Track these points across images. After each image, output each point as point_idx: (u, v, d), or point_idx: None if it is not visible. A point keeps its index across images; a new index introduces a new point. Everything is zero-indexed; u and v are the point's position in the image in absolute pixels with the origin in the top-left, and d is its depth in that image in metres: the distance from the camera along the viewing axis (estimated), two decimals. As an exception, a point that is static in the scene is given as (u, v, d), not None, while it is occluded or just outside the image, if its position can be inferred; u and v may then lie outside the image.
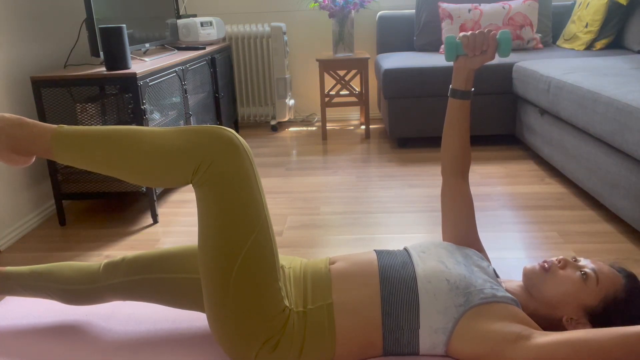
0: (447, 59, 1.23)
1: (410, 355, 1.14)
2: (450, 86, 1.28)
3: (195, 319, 1.40)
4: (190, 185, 1.95)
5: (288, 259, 1.27)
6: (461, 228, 1.33)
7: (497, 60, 2.86)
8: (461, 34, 1.20)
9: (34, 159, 1.17)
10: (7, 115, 1.11)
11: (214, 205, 1.05)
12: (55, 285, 1.32)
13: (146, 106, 2.04)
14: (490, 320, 1.06)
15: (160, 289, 1.25)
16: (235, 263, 1.05)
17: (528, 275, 1.17)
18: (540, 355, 0.99)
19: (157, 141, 1.06)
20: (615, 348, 0.96)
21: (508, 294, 1.12)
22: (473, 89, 1.34)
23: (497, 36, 1.19)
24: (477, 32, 1.19)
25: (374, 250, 1.26)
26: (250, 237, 1.05)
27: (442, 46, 3.26)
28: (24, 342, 1.33)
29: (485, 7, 3.18)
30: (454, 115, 1.29)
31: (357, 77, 3.76)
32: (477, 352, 1.06)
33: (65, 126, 1.10)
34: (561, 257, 1.15)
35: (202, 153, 1.04)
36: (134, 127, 1.10)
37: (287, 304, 1.11)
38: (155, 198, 2.09)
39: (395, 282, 1.13)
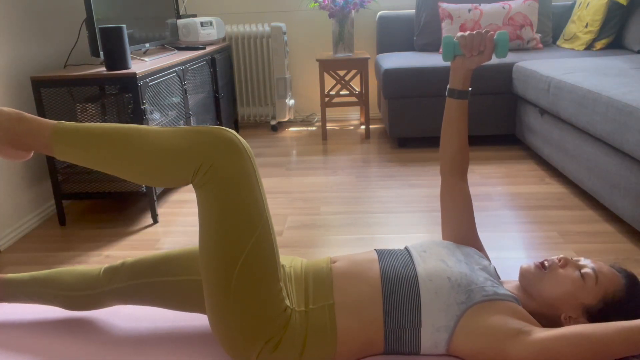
0: (445, 59, 1.24)
1: (411, 354, 1.14)
2: (448, 86, 1.28)
3: (195, 319, 1.40)
4: (191, 185, 1.94)
5: (288, 259, 1.27)
6: (461, 227, 1.33)
7: (497, 60, 2.86)
8: (459, 34, 1.21)
9: (32, 154, 1.16)
10: (6, 109, 1.10)
11: (215, 206, 1.04)
12: (56, 291, 1.31)
13: (146, 106, 2.04)
14: (492, 317, 1.06)
15: (163, 292, 1.24)
16: (237, 264, 1.05)
17: (524, 274, 1.17)
18: (541, 349, 0.99)
19: (158, 141, 1.05)
20: (616, 341, 0.96)
21: (509, 292, 1.12)
22: (470, 89, 1.34)
23: (495, 37, 1.20)
24: (474, 32, 1.19)
25: (375, 249, 1.26)
26: (251, 238, 1.05)
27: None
28: (24, 341, 1.33)
29: (485, 7, 3.18)
30: (451, 115, 1.29)
31: (357, 77, 3.76)
32: (479, 348, 1.06)
33: (65, 122, 1.09)
34: (562, 256, 1.15)
35: (203, 154, 1.03)
36: (134, 125, 1.09)
37: (288, 304, 1.11)
38: (155, 198, 2.09)
39: (396, 281, 1.13)
